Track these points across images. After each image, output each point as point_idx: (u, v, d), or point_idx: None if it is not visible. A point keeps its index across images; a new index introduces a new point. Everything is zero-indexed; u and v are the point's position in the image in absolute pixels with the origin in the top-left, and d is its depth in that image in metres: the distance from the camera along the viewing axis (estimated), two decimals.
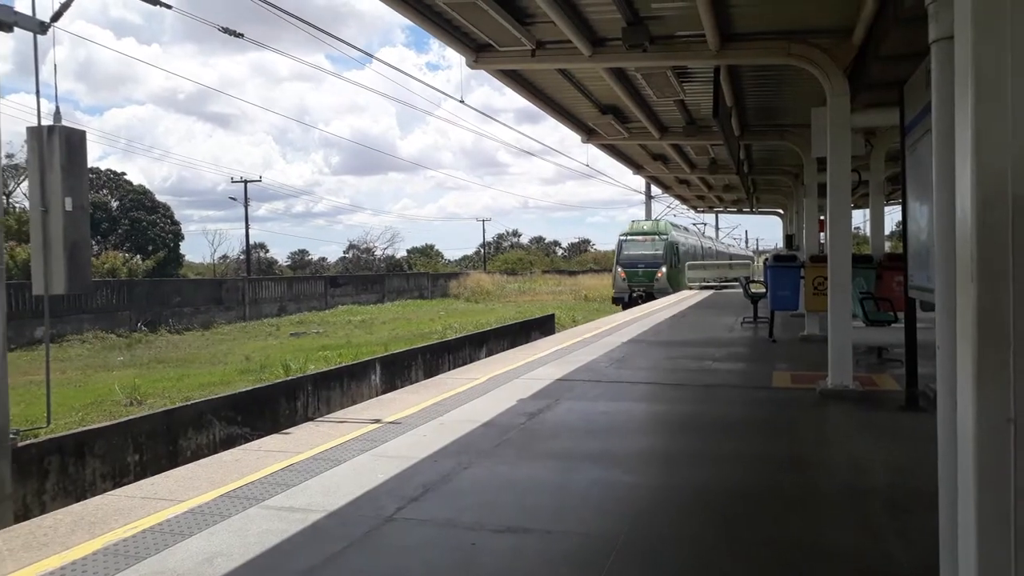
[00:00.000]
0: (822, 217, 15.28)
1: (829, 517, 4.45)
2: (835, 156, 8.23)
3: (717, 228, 63.89)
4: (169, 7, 10.65)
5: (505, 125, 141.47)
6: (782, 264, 13.68)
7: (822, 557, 3.86)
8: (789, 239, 26.43)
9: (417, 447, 5.92)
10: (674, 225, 42.13)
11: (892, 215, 34.50)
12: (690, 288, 36.38)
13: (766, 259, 20.32)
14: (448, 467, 5.38)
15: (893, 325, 9.60)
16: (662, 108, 13.92)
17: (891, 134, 12.11)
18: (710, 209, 41.50)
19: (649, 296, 33.97)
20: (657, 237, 37.73)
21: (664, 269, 36.31)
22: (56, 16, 6.51)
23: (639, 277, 36.18)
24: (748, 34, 8.89)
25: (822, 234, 16.88)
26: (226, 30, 12.75)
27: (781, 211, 34.72)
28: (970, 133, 2.21)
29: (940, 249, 3.03)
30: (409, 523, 4.33)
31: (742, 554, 3.91)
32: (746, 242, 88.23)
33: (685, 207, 40.22)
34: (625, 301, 34.34)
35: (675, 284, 36.60)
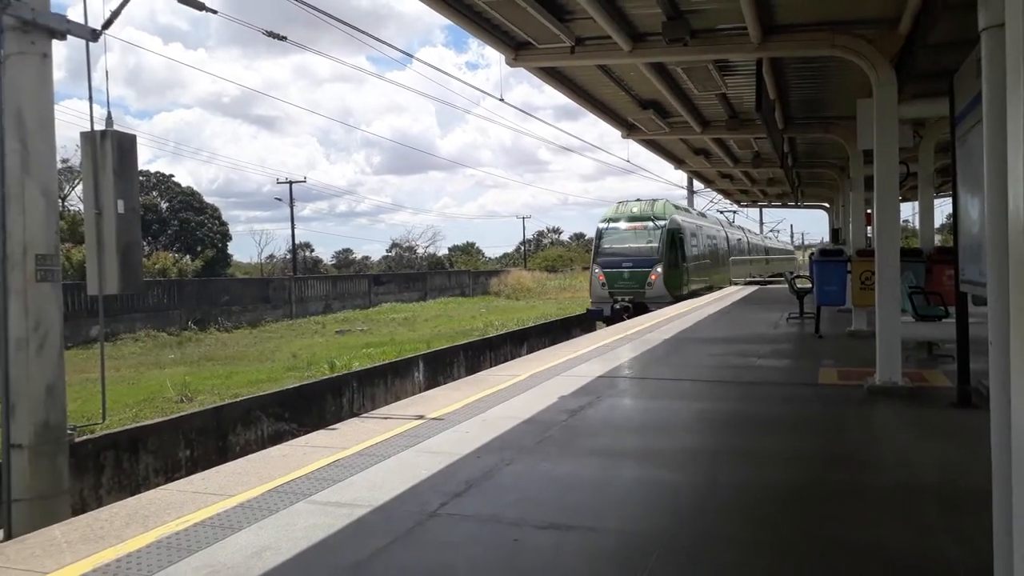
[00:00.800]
0: (869, 210, 14.98)
1: (878, 515, 4.36)
2: (882, 148, 8.07)
3: (761, 223, 62.27)
4: (215, 12, 10.86)
5: (544, 122, 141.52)
6: (828, 258, 13.45)
7: (871, 555, 3.79)
8: (835, 233, 25.94)
9: (460, 443, 5.96)
10: (679, 207, 30.91)
11: (942, 208, 33.62)
12: (734, 284, 34.50)
13: (812, 254, 19.84)
14: (491, 463, 5.41)
15: (944, 320, 9.38)
16: (704, 102, 13.80)
17: (941, 125, 11.84)
18: (754, 203, 40.85)
19: (639, 308, 23.86)
20: (652, 223, 26.93)
21: (660, 269, 25.55)
22: (107, 23, 6.69)
23: (624, 281, 25.64)
24: (791, 26, 8.77)
25: (869, 228, 16.55)
26: (270, 34, 12.95)
27: (827, 205, 34.14)
28: (1022, 123, 2.15)
29: (992, 242, 2.96)
30: (452, 519, 4.37)
31: (788, 552, 3.87)
32: (791, 236, 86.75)
33: (728, 201, 39.59)
34: (606, 315, 24.72)
35: (677, 289, 26.29)
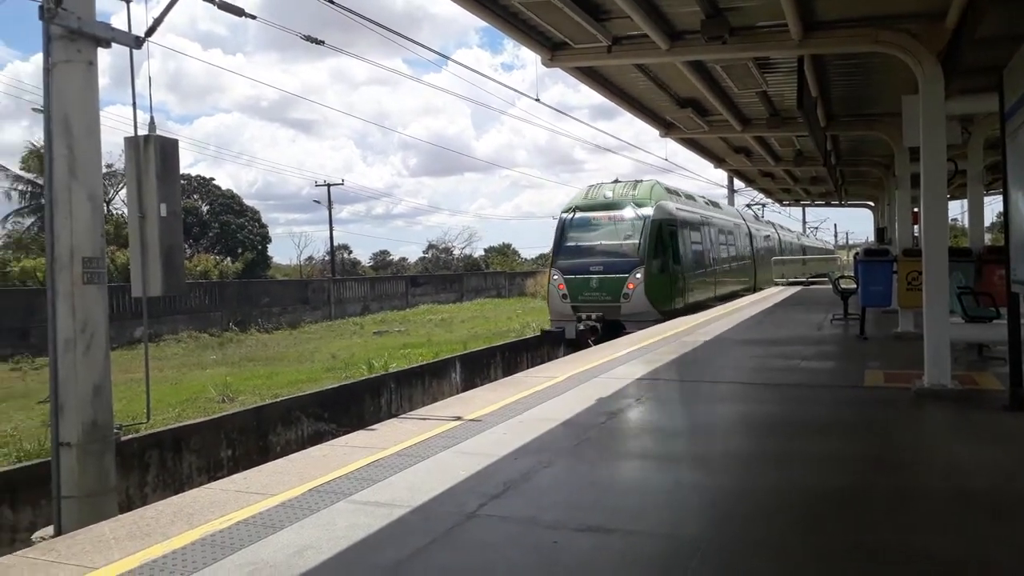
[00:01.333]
0: (916, 209, 14.66)
1: (926, 522, 4.26)
2: (929, 145, 7.88)
3: (804, 222, 61.16)
4: (253, 17, 11.01)
5: (580, 121, 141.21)
6: (873, 258, 13.18)
7: (917, 564, 3.70)
8: (881, 232, 25.45)
9: (498, 445, 5.95)
10: (674, 191, 23.05)
11: (992, 206, 32.77)
12: (778, 283, 32.80)
13: (856, 253, 19.21)
14: (528, 465, 5.39)
15: (995, 321, 9.13)
16: (743, 100, 13.64)
17: (990, 121, 11.52)
18: (796, 202, 40.21)
19: (613, 329, 17.88)
20: (633, 211, 20.05)
21: (641, 274, 19.03)
22: (150, 31, 6.82)
23: (592, 291, 19.25)
24: (832, 22, 8.62)
25: (916, 227, 16.20)
26: (308, 38, 13.10)
27: (872, 203, 33.50)
28: None
29: None
30: (491, 520, 4.36)
31: (831, 559, 3.78)
32: (835, 235, 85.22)
33: (771, 200, 39.00)
34: (568, 337, 18.82)
35: (667, 302, 19.50)
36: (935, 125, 7.84)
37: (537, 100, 15.91)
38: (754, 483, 5.11)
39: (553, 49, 9.84)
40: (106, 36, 6.43)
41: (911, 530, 4.12)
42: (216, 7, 9.77)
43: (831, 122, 14.43)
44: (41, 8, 6.07)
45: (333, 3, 10.83)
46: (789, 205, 41.68)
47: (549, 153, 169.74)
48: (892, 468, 5.36)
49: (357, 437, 6.48)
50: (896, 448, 6.01)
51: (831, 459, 5.59)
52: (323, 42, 13.34)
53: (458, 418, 6.96)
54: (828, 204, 38.63)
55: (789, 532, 4.16)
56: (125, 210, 33.43)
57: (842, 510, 4.49)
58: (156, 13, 6.87)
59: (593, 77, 11.68)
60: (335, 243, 60.84)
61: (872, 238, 34.22)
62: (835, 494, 4.77)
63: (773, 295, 26.27)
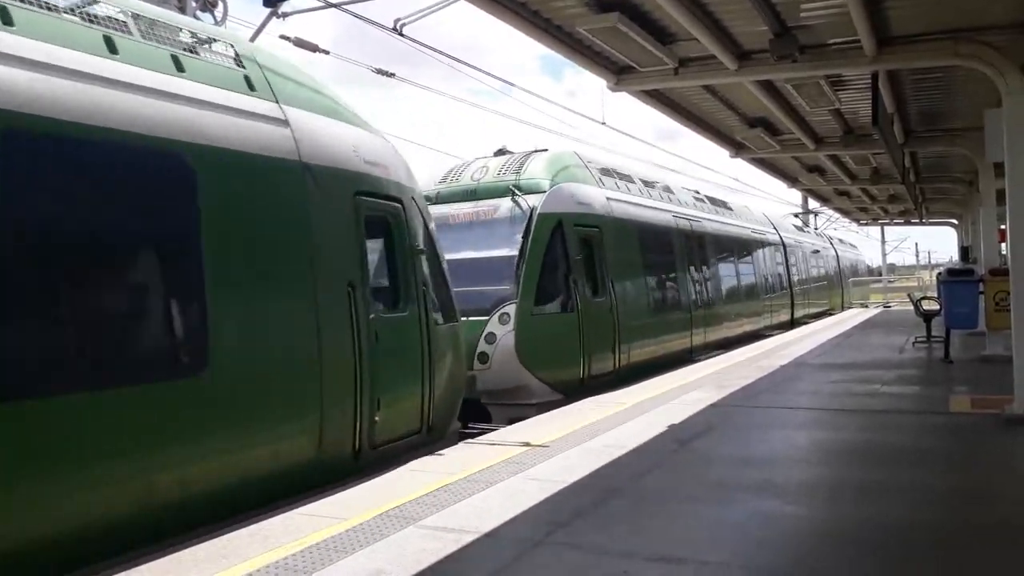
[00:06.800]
0: (1003, 226, 14.06)
1: (1020, 558, 4.03)
2: (1014, 160, 7.57)
3: (883, 242, 58.53)
4: (327, 52, 11.39)
5: (645, 143, 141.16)
6: (958, 278, 12.64)
7: None
8: (965, 251, 24.52)
9: (566, 471, 5.91)
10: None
11: None
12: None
13: (939, 273, 18.54)
14: (597, 493, 5.33)
15: None
16: (816, 118, 13.37)
17: None
18: (875, 221, 39.05)
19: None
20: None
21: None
22: None
23: None
24: (908, 36, 8.41)
25: (1003, 244, 15.50)
26: (380, 71, 13.43)
27: (955, 221, 32.29)
28: None
29: None
30: (560, 547, 4.33)
31: None
32: (916, 255, 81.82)
33: (848, 220, 37.89)
34: None
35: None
36: (1020, 139, 7.53)
37: (603, 123, 15.84)
38: (835, 514, 4.93)
39: (618, 73, 9.85)
40: None
41: (1005, 567, 3.90)
42: (293, 45, 10.18)
43: (909, 138, 14.01)
44: None
45: (402, 35, 11.09)
46: (866, 224, 40.49)
47: None
48: (981, 500, 5.11)
49: (425, 462, 6.53)
50: (985, 478, 5.73)
51: (916, 490, 5.36)
52: (393, 75, 13.66)
53: (526, 444, 6.95)
54: (908, 223, 37.39)
55: (876, 566, 4.00)
56: None
57: (929, 545, 4.30)
58: None
59: (659, 99, 11.64)
60: None
61: (956, 257, 32.89)
62: (921, 528, 4.57)
63: (849, 318, 25.45)
